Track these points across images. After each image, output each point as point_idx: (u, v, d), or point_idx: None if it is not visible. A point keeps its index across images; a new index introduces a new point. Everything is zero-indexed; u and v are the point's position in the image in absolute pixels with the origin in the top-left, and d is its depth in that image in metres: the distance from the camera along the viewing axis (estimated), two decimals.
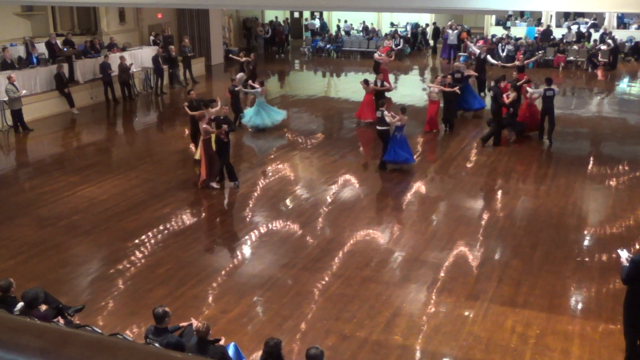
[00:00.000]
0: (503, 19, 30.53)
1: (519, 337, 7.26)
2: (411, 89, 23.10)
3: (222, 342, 6.18)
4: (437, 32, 30.55)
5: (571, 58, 25.76)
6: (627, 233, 10.17)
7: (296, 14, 34.26)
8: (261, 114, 16.02)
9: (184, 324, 6.67)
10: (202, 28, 26.11)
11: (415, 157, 13.86)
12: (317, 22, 32.62)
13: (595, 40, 26.82)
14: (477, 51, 21.25)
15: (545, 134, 14.92)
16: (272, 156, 14.37)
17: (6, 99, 16.01)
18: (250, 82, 17.22)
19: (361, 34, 31.15)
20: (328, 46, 29.74)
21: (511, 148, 14.89)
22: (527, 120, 15.31)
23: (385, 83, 17.53)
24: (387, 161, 12.94)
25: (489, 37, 28.75)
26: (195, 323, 6.62)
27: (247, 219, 11.01)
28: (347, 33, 30.95)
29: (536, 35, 28.10)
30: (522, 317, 7.63)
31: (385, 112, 12.74)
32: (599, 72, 24.74)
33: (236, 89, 16.05)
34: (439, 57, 29.10)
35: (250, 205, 11.59)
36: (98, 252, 9.64)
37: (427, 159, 14.03)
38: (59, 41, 19.78)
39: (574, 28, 28.32)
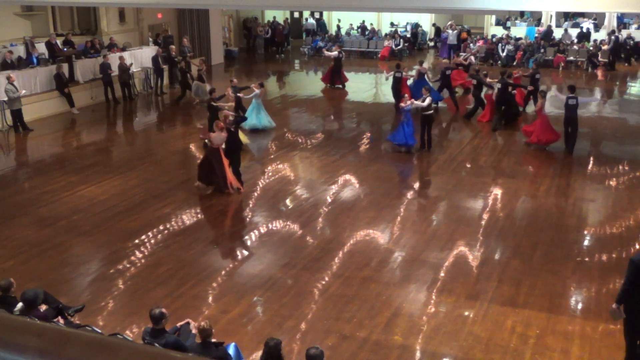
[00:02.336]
0: (503, 19, 30.53)
1: (519, 337, 7.25)
2: None
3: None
4: (438, 32, 30.56)
5: (571, 58, 25.76)
6: (627, 233, 10.16)
7: (296, 14, 34.25)
8: (257, 115, 15.98)
9: (181, 323, 6.66)
10: (202, 28, 26.10)
11: (415, 157, 13.99)
12: (313, 22, 32.69)
13: (595, 40, 26.82)
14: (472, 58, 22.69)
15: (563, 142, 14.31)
16: (272, 156, 14.37)
17: (6, 99, 16.01)
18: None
19: (357, 33, 31.14)
20: (328, 46, 29.71)
21: (511, 148, 14.90)
22: (538, 131, 14.29)
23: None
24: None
25: (489, 37, 28.77)
26: (192, 323, 6.61)
27: (247, 219, 11.00)
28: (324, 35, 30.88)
29: (536, 35, 28.10)
30: (522, 317, 7.63)
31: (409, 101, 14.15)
32: (599, 72, 24.75)
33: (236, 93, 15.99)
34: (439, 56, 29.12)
35: (250, 205, 11.59)
36: (98, 252, 9.64)
37: (427, 159, 14.02)
38: (59, 41, 19.77)
39: (575, 28, 28.33)
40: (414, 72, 19.40)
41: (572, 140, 14.09)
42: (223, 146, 11.70)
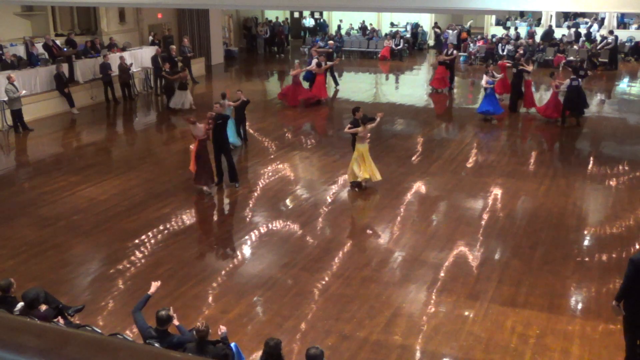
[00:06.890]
0: (503, 19, 30.53)
1: (519, 337, 7.26)
2: (411, 89, 23.12)
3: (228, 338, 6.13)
4: (437, 36, 30.56)
5: (571, 58, 25.74)
6: (627, 233, 10.16)
7: (296, 14, 34.25)
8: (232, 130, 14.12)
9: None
10: (202, 28, 26.11)
11: (414, 157, 14.01)
12: (309, 22, 32.82)
13: (595, 38, 26.80)
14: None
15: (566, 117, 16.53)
16: (272, 156, 14.36)
17: (6, 99, 16.02)
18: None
19: (358, 33, 31.13)
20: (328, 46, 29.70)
21: (511, 148, 14.90)
22: (551, 108, 16.83)
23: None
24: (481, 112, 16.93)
25: (489, 37, 28.76)
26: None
27: (247, 219, 11.00)
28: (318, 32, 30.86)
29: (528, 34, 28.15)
30: (522, 317, 7.63)
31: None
32: (599, 72, 24.73)
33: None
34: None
35: (250, 205, 11.59)
36: (98, 252, 9.64)
37: (427, 159, 14.02)
38: (58, 41, 19.77)
39: (574, 28, 28.34)
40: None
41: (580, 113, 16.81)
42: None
